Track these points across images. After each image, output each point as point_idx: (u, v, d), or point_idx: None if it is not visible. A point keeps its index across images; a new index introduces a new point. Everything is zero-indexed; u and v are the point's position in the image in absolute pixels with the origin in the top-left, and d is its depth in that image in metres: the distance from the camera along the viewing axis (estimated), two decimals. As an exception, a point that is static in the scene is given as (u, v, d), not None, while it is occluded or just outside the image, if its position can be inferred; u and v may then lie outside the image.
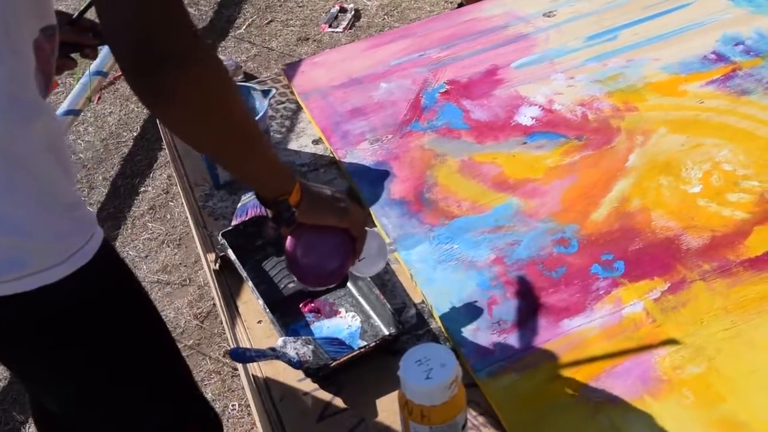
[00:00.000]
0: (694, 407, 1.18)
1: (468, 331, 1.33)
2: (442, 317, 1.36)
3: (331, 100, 1.80)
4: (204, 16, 3.68)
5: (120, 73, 3.42)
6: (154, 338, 1.35)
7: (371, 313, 1.40)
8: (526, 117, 1.69)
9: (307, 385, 1.32)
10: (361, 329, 1.39)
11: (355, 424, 1.24)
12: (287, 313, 1.43)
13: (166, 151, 2.03)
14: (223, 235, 1.49)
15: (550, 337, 1.30)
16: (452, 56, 1.87)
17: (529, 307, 1.35)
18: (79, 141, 3.12)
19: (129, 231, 2.72)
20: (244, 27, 3.59)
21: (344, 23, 3.50)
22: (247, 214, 1.51)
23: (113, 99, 3.30)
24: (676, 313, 1.31)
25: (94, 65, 3.17)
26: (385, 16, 3.54)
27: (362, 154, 1.66)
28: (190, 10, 3.69)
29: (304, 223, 1.19)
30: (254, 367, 1.37)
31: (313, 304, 1.42)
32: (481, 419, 1.22)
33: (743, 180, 1.50)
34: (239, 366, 1.79)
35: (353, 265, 1.30)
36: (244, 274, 1.43)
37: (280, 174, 1.13)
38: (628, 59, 1.80)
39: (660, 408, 1.18)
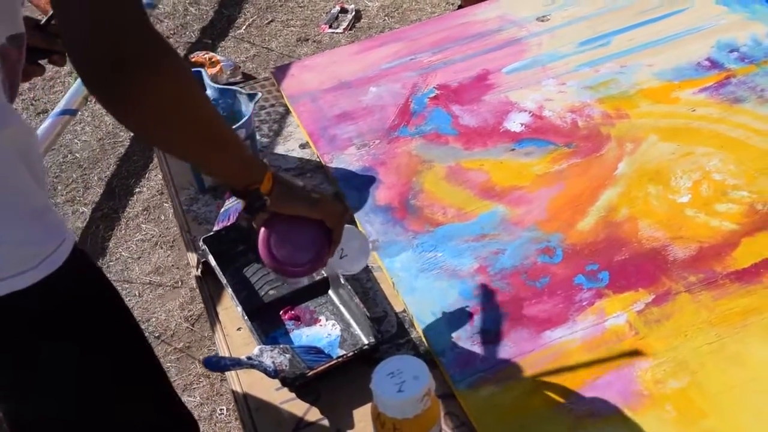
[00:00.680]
0: (676, 422, 1.16)
1: (448, 342, 1.31)
2: (423, 326, 1.34)
3: (319, 103, 1.78)
4: (204, 16, 3.66)
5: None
6: (129, 346, 1.33)
7: (351, 321, 1.38)
8: (515, 123, 1.67)
9: (284, 395, 1.30)
10: (340, 338, 1.37)
11: (331, 435, 1.23)
12: (267, 321, 1.41)
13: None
14: (204, 241, 1.47)
15: (532, 348, 1.28)
16: (443, 60, 1.85)
17: (511, 317, 1.33)
18: (75, 140, 3.11)
19: (123, 232, 2.71)
20: (244, 27, 3.57)
21: (344, 24, 3.49)
22: (229, 219, 1.49)
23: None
24: (660, 326, 1.29)
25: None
26: (386, 17, 3.52)
27: (349, 159, 1.64)
28: (190, 9, 3.69)
29: (278, 214, 1.18)
30: (232, 376, 1.35)
31: (293, 312, 1.41)
32: (458, 432, 1.20)
33: (733, 190, 1.48)
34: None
35: (335, 261, 1.29)
36: (223, 280, 1.41)
37: (250, 164, 1.12)
38: (621, 65, 1.77)
39: (641, 422, 1.16)
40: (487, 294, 1.37)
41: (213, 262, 1.44)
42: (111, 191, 2.87)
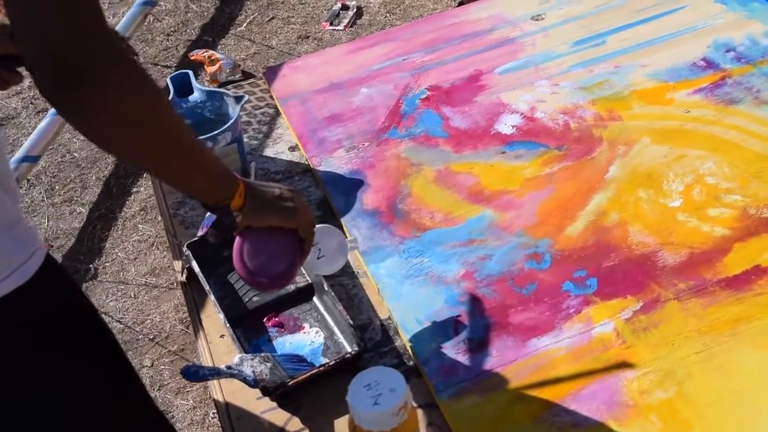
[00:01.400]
0: (661, 434, 1.13)
1: (432, 350, 1.29)
2: (407, 334, 1.32)
3: (309, 105, 1.76)
4: (205, 13, 3.65)
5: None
6: (104, 360, 1.31)
7: (335, 329, 1.36)
8: (506, 125, 1.64)
9: (266, 404, 1.28)
10: (324, 346, 1.35)
11: (312, 445, 1.21)
12: (251, 328, 1.39)
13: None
14: (188, 246, 1.45)
15: (517, 357, 1.26)
16: (436, 61, 1.82)
17: (497, 325, 1.31)
18: (74, 139, 3.10)
19: (119, 232, 2.70)
20: (245, 24, 3.55)
21: (345, 21, 3.46)
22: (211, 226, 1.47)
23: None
24: (647, 334, 1.26)
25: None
26: (387, 14, 3.49)
27: (337, 162, 1.62)
28: (191, 5, 3.67)
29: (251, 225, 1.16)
30: (214, 384, 1.33)
31: (277, 319, 1.39)
32: (439, 443, 1.18)
33: (726, 194, 1.45)
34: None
35: (312, 262, 1.27)
36: (206, 287, 1.39)
37: (219, 180, 1.08)
38: (615, 65, 1.75)
39: (625, 434, 1.14)
40: (472, 301, 1.35)
41: (196, 268, 1.42)
42: (108, 191, 2.86)
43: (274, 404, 1.28)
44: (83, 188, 2.88)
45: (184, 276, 1.48)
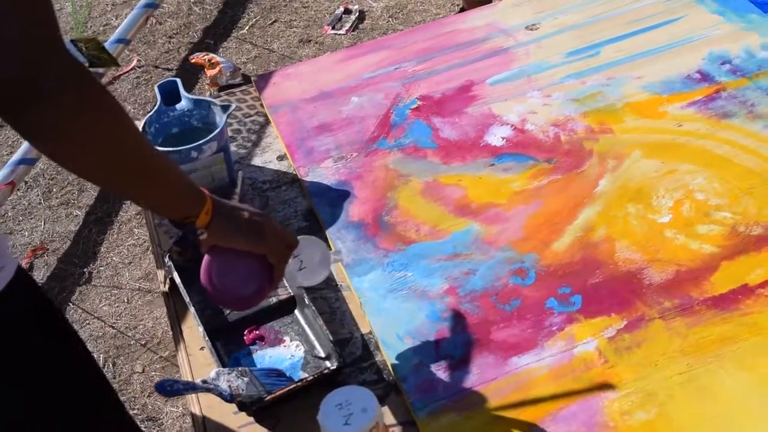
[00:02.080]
0: (640, 458, 1.11)
1: (412, 366, 1.28)
2: (387, 350, 1.30)
3: (299, 114, 1.74)
4: (208, 16, 3.64)
5: (118, 74, 3.39)
6: (77, 374, 1.30)
7: (315, 343, 1.35)
8: (496, 137, 1.62)
9: (243, 419, 1.27)
10: (303, 360, 1.33)
11: (288, 461, 1.19)
12: (231, 341, 1.38)
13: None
14: (170, 256, 1.44)
15: (497, 375, 1.25)
16: (428, 70, 1.80)
17: (478, 342, 1.29)
18: (73, 142, 3.09)
19: (115, 236, 2.69)
20: (247, 27, 3.54)
21: (347, 25, 3.44)
22: (195, 235, 1.45)
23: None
24: (630, 354, 1.24)
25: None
26: (390, 19, 3.48)
27: (325, 173, 1.60)
28: (194, 8, 3.66)
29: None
30: (192, 398, 1.32)
31: (257, 332, 1.37)
32: (414, 463, 1.17)
33: (715, 210, 1.43)
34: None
35: (293, 273, 1.25)
36: (187, 298, 1.38)
37: (185, 196, 1.07)
38: (608, 77, 1.72)
39: (604, 457, 1.12)
40: (454, 317, 1.33)
41: (177, 278, 1.41)
42: (105, 194, 2.85)
43: (252, 419, 1.27)
44: (80, 191, 2.88)
45: (167, 286, 1.47)
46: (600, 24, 1.87)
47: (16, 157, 2.74)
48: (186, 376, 1.36)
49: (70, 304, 2.50)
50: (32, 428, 1.22)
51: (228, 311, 1.41)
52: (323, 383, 1.26)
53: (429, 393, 1.24)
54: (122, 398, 2.16)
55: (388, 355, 1.30)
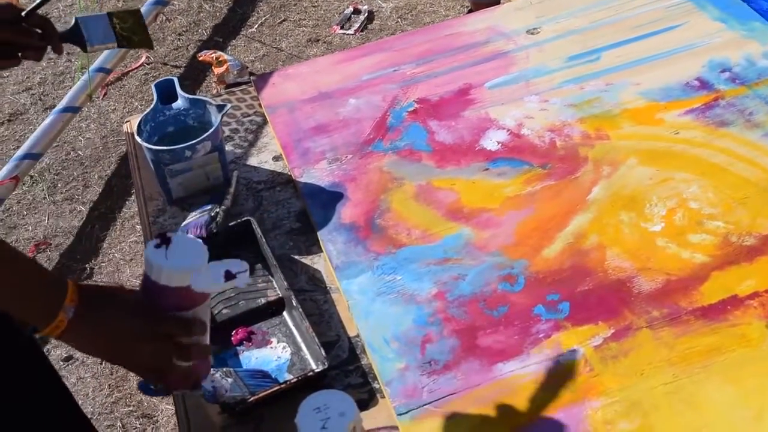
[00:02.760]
0: (621, 468, 1.11)
1: (397, 370, 1.27)
2: (373, 353, 1.30)
3: (296, 115, 1.74)
4: (218, 13, 3.64)
5: (127, 70, 3.40)
6: (44, 380, 1.29)
7: (302, 345, 1.34)
8: (491, 141, 1.62)
9: (228, 419, 1.27)
10: (290, 362, 1.33)
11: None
12: (218, 341, 1.38)
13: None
14: (160, 256, 1.43)
15: (481, 381, 1.24)
16: (426, 73, 1.80)
17: (464, 347, 1.29)
18: (79, 137, 3.10)
19: (117, 232, 2.70)
20: (256, 26, 3.54)
21: (356, 25, 3.44)
22: (187, 234, 1.46)
23: (118, 96, 3.28)
24: (616, 363, 1.24)
25: (97, 62, 3.14)
26: (399, 19, 3.47)
27: (319, 174, 1.60)
28: (204, 6, 3.66)
29: None
30: (177, 398, 1.32)
31: (244, 333, 1.37)
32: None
33: (708, 220, 1.42)
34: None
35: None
36: (175, 298, 1.37)
37: (35, 301, 0.96)
38: (607, 83, 1.72)
39: (585, 466, 1.12)
40: (441, 322, 1.33)
41: (167, 278, 1.40)
42: (110, 190, 2.86)
43: (235, 420, 1.26)
44: (85, 187, 2.88)
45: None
46: (601, 29, 1.86)
47: (20, 151, 2.76)
48: (173, 375, 1.35)
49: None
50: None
51: (218, 311, 1.41)
52: (308, 385, 1.26)
53: (413, 398, 1.23)
54: (118, 395, 2.17)
55: (373, 359, 1.29)
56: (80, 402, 2.17)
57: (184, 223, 1.50)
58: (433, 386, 1.24)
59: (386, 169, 1.59)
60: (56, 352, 2.38)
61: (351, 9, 3.52)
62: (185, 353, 1.03)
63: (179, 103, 1.63)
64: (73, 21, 1.47)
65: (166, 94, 1.63)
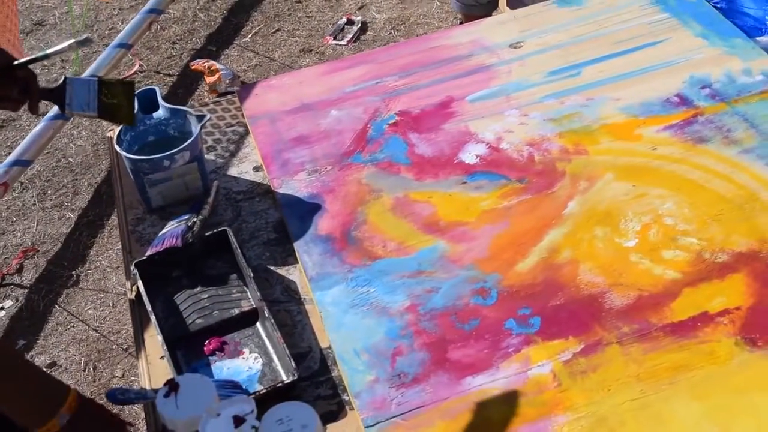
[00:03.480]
0: (584, 483, 1.11)
1: (366, 382, 1.27)
2: (344, 365, 1.30)
3: (278, 125, 1.75)
4: (212, 23, 3.65)
5: (123, 77, 3.41)
6: None
7: (274, 356, 1.35)
8: (470, 155, 1.62)
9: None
10: (261, 372, 1.33)
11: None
12: (192, 350, 1.38)
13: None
14: (136, 265, 1.45)
15: (449, 395, 1.24)
16: (409, 85, 1.81)
17: (434, 361, 1.29)
18: (71, 144, 3.11)
19: (105, 240, 2.70)
20: (249, 35, 3.55)
21: (349, 36, 3.45)
22: (162, 244, 1.46)
23: (110, 103, 3.27)
24: (585, 378, 1.24)
25: (89, 70, 3.15)
26: (392, 31, 3.48)
27: (298, 185, 1.61)
28: (199, 15, 3.67)
29: None
30: (148, 405, 1.32)
31: (216, 343, 1.37)
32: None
33: (682, 236, 1.42)
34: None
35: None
36: (149, 307, 1.38)
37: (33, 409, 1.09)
38: (587, 98, 1.72)
39: (549, 481, 1.12)
40: (413, 334, 1.33)
41: (141, 287, 1.41)
42: (99, 198, 2.86)
43: (205, 430, 1.26)
44: (74, 194, 2.89)
45: (133, 294, 1.47)
46: (584, 44, 1.86)
47: (11, 158, 2.76)
48: (144, 383, 1.36)
49: (57, 306, 2.51)
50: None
51: (192, 320, 1.41)
52: (278, 396, 1.26)
53: (381, 410, 1.24)
54: (100, 402, 2.16)
55: (343, 371, 1.30)
56: (62, 409, 2.17)
57: (161, 232, 1.50)
58: (401, 399, 1.25)
59: (365, 181, 1.60)
60: (40, 359, 2.38)
61: (345, 20, 3.53)
62: None
63: (160, 113, 1.64)
64: (61, 79, 1.45)
65: (148, 103, 1.64)
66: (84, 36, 1.45)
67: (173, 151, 1.52)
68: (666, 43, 1.84)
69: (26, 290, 2.57)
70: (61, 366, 2.35)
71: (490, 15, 2.71)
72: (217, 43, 3.56)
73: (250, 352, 1.36)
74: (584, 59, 1.82)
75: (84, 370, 2.33)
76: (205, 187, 1.62)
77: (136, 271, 1.43)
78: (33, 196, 2.91)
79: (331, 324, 1.36)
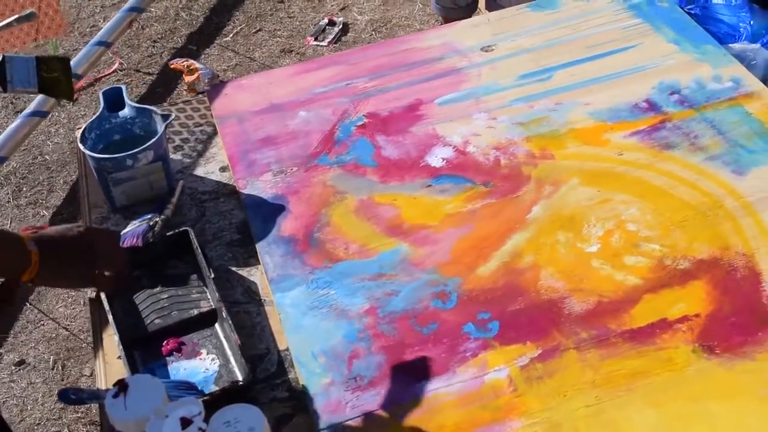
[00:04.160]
0: (536, 490, 1.10)
1: (322, 385, 1.27)
2: (300, 367, 1.29)
3: (246, 126, 1.74)
4: (194, 21, 3.64)
5: (100, 76, 3.40)
6: None
7: (231, 358, 1.34)
8: (437, 158, 1.61)
9: (150, 431, 1.25)
10: (217, 374, 1.33)
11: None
12: (149, 351, 1.37)
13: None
14: (94, 265, 1.43)
15: (404, 399, 1.24)
16: (379, 87, 1.80)
17: (390, 364, 1.28)
18: (48, 142, 3.10)
19: (78, 238, 2.68)
20: (231, 35, 3.55)
21: (330, 37, 3.45)
22: (123, 243, 1.45)
23: (89, 101, 3.27)
24: (541, 384, 1.23)
25: (68, 67, 3.13)
26: (373, 32, 3.48)
27: (263, 186, 1.60)
28: (181, 13, 3.66)
29: None
30: (100, 407, 1.31)
31: (173, 343, 1.36)
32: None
33: (644, 242, 1.42)
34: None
35: None
36: (106, 306, 1.37)
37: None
38: (556, 102, 1.72)
39: (501, 487, 1.11)
40: (371, 337, 1.32)
41: (99, 286, 1.40)
42: (73, 195, 2.85)
43: None
44: (50, 191, 2.88)
45: (94, 293, 1.46)
46: (556, 48, 1.86)
47: (-17, 155, 2.75)
48: (101, 383, 1.36)
49: (28, 304, 2.50)
50: None
51: (150, 320, 1.40)
52: (233, 398, 1.25)
53: (335, 413, 1.23)
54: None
55: (300, 373, 1.29)
56: (29, 407, 2.16)
57: (123, 231, 1.49)
58: (356, 402, 1.24)
59: (330, 182, 1.59)
60: (9, 356, 2.36)
61: (326, 21, 3.53)
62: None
63: (126, 112, 1.63)
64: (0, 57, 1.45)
65: (114, 102, 1.63)
66: (28, 11, 1.45)
67: (136, 150, 1.51)
68: (638, 49, 1.84)
69: (-3, 288, 2.55)
70: (29, 364, 2.34)
71: (471, 17, 2.71)
72: (198, 43, 3.55)
73: (208, 353, 1.36)
74: (555, 63, 1.82)
75: (53, 369, 2.31)
76: (170, 186, 1.61)
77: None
78: (8, 194, 2.90)
79: (290, 326, 1.35)
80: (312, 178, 1.61)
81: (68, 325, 2.42)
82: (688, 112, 1.67)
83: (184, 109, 1.85)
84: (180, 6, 3.75)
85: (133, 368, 1.31)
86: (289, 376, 1.31)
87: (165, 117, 1.57)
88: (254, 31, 3.58)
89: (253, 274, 1.47)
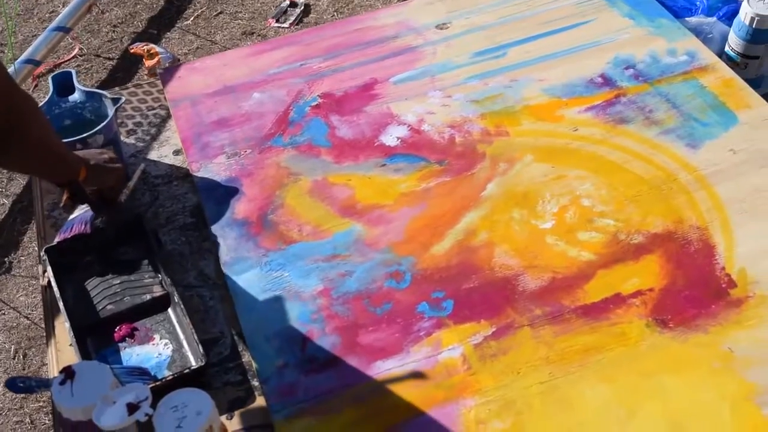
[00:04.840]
0: (489, 467, 1.10)
1: (276, 368, 1.26)
2: (253, 351, 1.28)
3: (199, 108, 1.72)
4: (155, 5, 3.60)
5: (59, 61, 3.35)
6: None
7: (184, 342, 1.33)
8: (391, 137, 1.60)
9: (102, 418, 1.24)
10: (170, 359, 1.31)
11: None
12: (102, 337, 1.36)
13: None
14: (46, 251, 1.42)
15: (358, 380, 1.23)
16: (333, 67, 1.78)
17: (344, 345, 1.28)
18: (7, 129, 3.04)
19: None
20: (191, 18, 3.51)
21: (291, 18, 3.42)
22: (71, 230, 1.43)
23: (48, 88, 3.21)
24: (494, 361, 1.23)
25: (26, 53, 3.10)
26: (335, 13, 3.45)
27: (216, 169, 1.58)
28: (139, -3, 3.62)
29: None
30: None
31: (126, 329, 1.35)
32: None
33: (599, 217, 1.42)
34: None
35: None
36: (57, 293, 1.36)
37: (65, 165, 1.33)
38: (511, 79, 1.71)
39: (454, 465, 1.11)
40: (325, 318, 1.31)
41: (50, 273, 1.39)
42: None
43: (112, 419, 1.24)
44: (9, 179, 2.84)
45: (45, 280, 1.44)
46: (511, 25, 1.85)
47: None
48: (53, 371, 1.34)
49: (-13, 294, 2.47)
50: None
51: (102, 306, 1.38)
52: (187, 383, 1.24)
53: (289, 396, 1.22)
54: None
55: (253, 356, 1.28)
56: (-11, 398, 2.14)
57: (71, 217, 1.47)
58: (309, 384, 1.23)
59: (284, 164, 1.58)
60: (-32, 347, 2.34)
61: (287, 2, 3.50)
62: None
63: (76, 96, 1.60)
64: None
65: (64, 86, 1.60)
66: None
67: (85, 134, 1.49)
68: (593, 24, 1.83)
69: (-43, 277, 2.53)
70: (-10, 355, 2.32)
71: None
72: (158, 26, 3.51)
73: (161, 338, 1.34)
74: (510, 40, 1.81)
75: (14, 358, 2.29)
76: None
77: (46, 257, 1.40)
78: (-34, 182, 2.86)
79: (243, 309, 1.34)
80: (266, 159, 1.59)
81: (29, 314, 2.40)
82: (642, 87, 1.67)
83: (136, 93, 1.82)
84: (142, -12, 3.70)
85: (85, 355, 1.30)
86: (243, 360, 1.30)
87: (115, 101, 1.55)
88: (215, 14, 3.54)
89: (206, 258, 1.46)
